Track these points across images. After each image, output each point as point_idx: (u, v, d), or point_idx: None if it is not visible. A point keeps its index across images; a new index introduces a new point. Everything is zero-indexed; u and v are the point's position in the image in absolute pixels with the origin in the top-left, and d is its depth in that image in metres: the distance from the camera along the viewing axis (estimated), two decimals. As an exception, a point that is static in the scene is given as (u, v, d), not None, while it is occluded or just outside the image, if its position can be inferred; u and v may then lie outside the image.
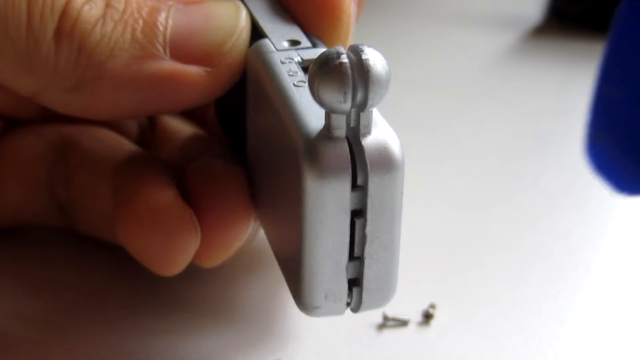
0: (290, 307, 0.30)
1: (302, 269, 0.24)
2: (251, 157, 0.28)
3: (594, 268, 0.34)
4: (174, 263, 0.27)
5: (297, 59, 0.26)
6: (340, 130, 0.22)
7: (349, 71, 0.21)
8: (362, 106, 0.22)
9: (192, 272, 0.29)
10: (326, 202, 0.23)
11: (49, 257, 0.32)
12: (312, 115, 0.23)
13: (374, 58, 0.22)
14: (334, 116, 0.22)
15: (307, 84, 0.24)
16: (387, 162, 0.23)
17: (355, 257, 0.24)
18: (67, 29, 0.26)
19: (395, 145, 0.23)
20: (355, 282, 0.24)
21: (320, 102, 0.22)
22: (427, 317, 0.30)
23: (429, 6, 0.62)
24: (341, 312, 0.25)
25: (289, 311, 0.30)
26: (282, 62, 0.26)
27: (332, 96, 0.22)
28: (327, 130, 0.23)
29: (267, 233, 0.28)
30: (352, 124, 0.23)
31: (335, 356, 0.29)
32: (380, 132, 0.23)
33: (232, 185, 0.28)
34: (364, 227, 0.23)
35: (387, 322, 0.30)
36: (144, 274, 0.29)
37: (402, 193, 0.23)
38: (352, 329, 0.30)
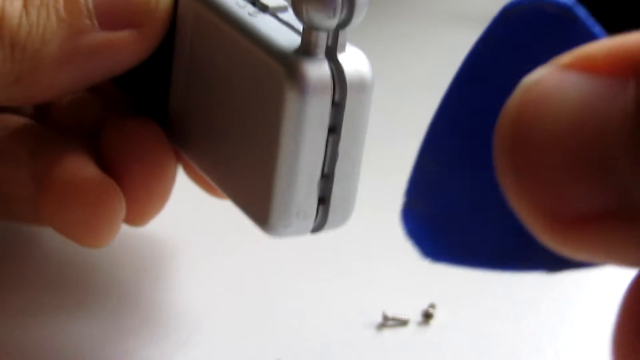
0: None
1: (275, 188, 0.24)
2: (177, 102, 0.28)
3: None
4: (101, 233, 0.28)
5: None
6: (321, 48, 0.23)
7: None
8: (344, 24, 0.23)
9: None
10: (307, 119, 0.23)
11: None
12: (280, 38, 0.24)
13: None
14: (315, 33, 0.23)
15: (260, 14, 0.25)
16: (363, 79, 0.24)
17: (325, 175, 0.24)
18: None
19: (367, 65, 0.24)
20: (321, 201, 0.25)
21: (308, 17, 0.22)
22: (427, 317, 0.30)
23: (429, 6, 0.62)
24: (306, 231, 0.25)
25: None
26: None
27: (323, 11, 0.22)
28: (306, 48, 0.23)
29: (206, 169, 0.28)
30: (329, 43, 0.23)
31: (335, 356, 0.29)
32: (353, 52, 0.24)
33: (148, 138, 0.28)
34: (336, 144, 0.24)
35: (387, 322, 0.30)
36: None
37: (369, 112, 0.24)
38: (352, 329, 0.30)
